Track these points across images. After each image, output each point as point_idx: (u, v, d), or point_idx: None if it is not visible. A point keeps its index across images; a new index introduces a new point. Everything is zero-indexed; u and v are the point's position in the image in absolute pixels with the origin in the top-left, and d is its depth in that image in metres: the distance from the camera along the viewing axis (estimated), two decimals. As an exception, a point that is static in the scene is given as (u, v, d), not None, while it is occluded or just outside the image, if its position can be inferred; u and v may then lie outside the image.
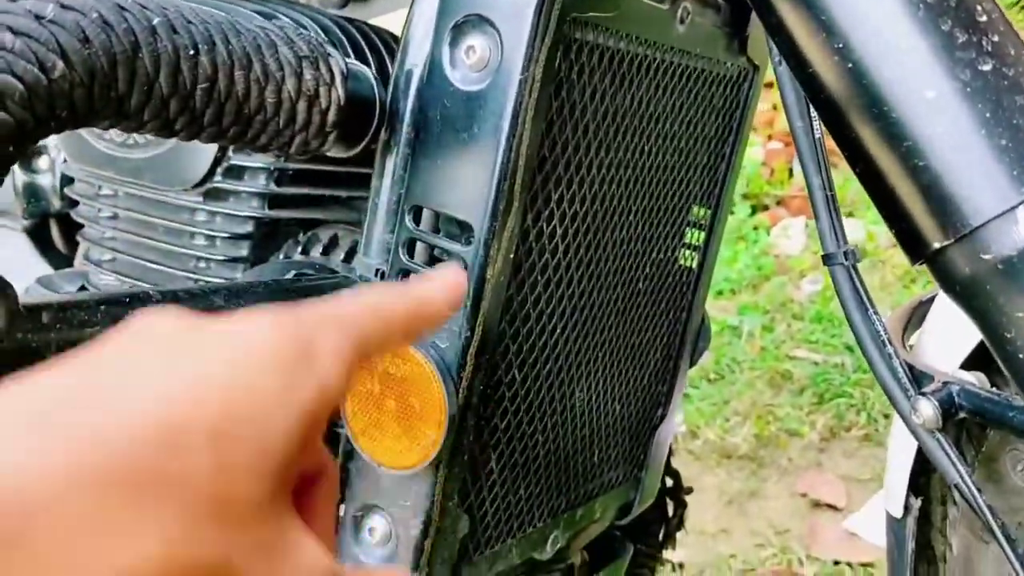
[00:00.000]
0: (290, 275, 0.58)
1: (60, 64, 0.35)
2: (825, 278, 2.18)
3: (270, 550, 0.26)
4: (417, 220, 0.53)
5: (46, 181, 0.85)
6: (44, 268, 0.93)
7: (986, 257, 0.36)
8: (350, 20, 0.74)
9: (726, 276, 2.19)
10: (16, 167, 0.84)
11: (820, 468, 1.64)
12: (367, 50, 0.70)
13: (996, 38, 0.36)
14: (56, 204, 0.85)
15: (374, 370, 0.53)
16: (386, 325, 0.31)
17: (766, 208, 2.50)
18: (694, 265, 0.76)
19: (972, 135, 0.35)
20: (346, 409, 0.54)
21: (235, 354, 0.27)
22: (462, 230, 0.51)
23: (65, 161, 0.79)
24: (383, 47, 0.71)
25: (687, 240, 0.74)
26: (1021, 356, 0.36)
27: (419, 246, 0.53)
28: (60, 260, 0.93)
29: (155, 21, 0.39)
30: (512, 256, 0.52)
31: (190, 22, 0.41)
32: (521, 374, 0.58)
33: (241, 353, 0.27)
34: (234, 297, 0.46)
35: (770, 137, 2.68)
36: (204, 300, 0.44)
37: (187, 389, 0.25)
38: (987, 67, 0.36)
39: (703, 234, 0.75)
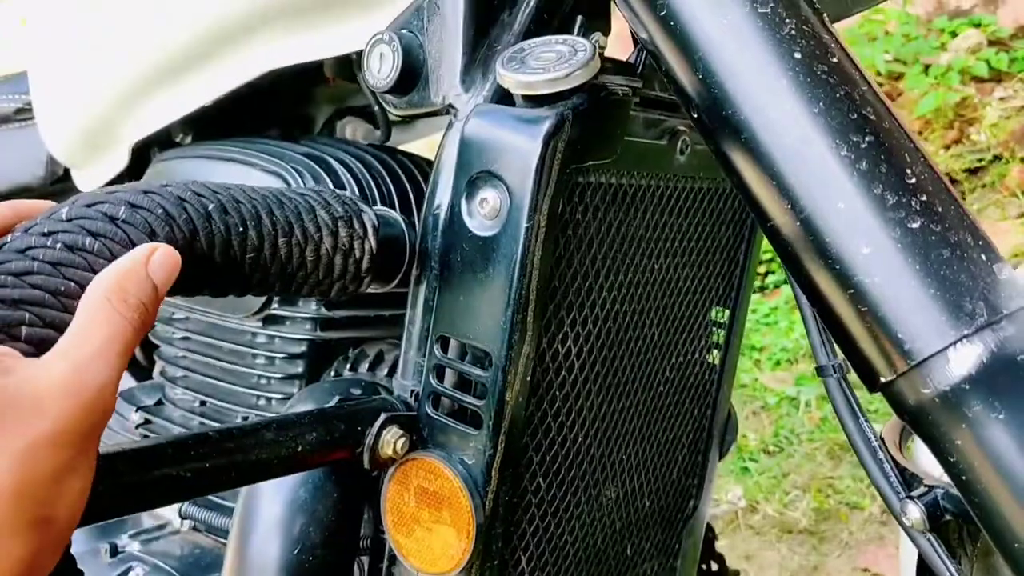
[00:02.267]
0: (335, 399, 0.64)
1: (131, 258, 0.42)
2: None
3: None
4: (445, 348, 0.59)
5: (126, 304, 0.94)
6: (127, 380, 1.03)
7: (926, 391, 0.40)
8: (391, 152, 0.82)
9: (783, 347, 2.21)
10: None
11: (882, 542, 1.63)
12: (406, 183, 0.78)
13: (924, 198, 0.41)
14: (135, 324, 0.94)
15: (410, 485, 0.59)
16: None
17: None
18: (716, 363, 0.80)
19: (905, 285, 0.40)
20: (388, 519, 0.60)
21: None
22: (484, 356, 0.58)
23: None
24: (420, 177, 0.79)
25: (708, 340, 0.79)
26: (963, 477, 0.40)
27: (448, 371, 0.59)
28: (141, 373, 1.02)
29: (210, 208, 0.47)
30: (530, 378, 0.58)
31: (239, 202, 0.49)
32: (546, 482, 0.63)
33: None
34: (284, 429, 0.53)
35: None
36: (256, 435, 0.51)
37: None
38: (915, 225, 0.41)
39: (723, 333, 0.80)
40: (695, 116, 0.47)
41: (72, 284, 0.40)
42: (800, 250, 0.43)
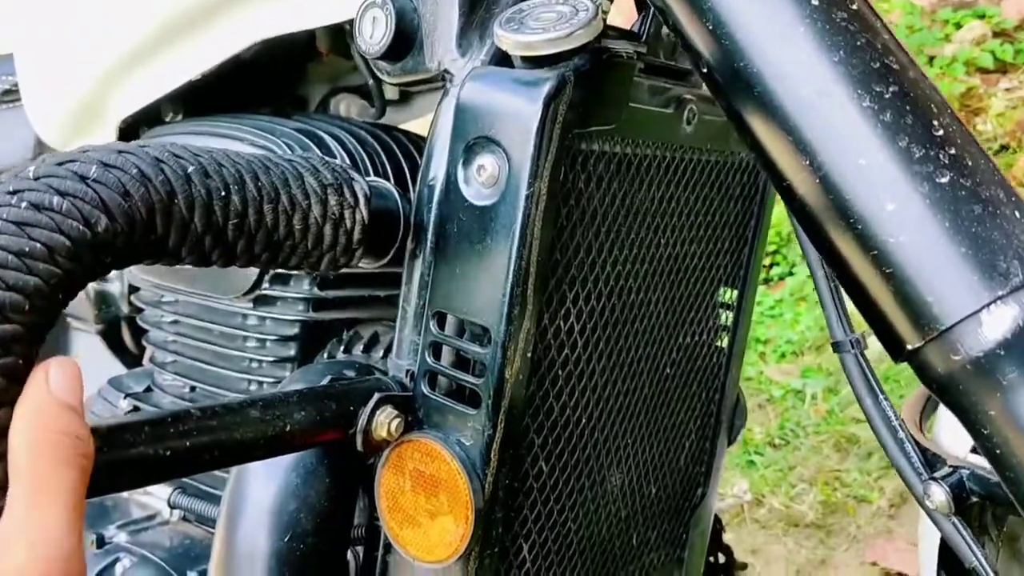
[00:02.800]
0: (327, 380, 0.61)
1: (103, 219, 0.39)
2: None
3: None
4: (441, 324, 0.56)
5: (115, 288, 0.92)
6: (117, 367, 1.00)
7: (956, 358, 0.37)
8: (386, 129, 0.79)
9: (788, 339, 2.18)
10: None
11: (890, 535, 1.60)
12: (401, 159, 0.75)
13: (953, 151, 0.38)
14: (125, 309, 0.92)
15: (405, 468, 0.56)
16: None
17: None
18: (725, 345, 0.77)
19: (933, 244, 0.37)
20: (382, 505, 0.57)
21: None
22: (482, 333, 0.55)
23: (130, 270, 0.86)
24: (416, 154, 0.76)
25: (716, 322, 0.76)
26: (997, 451, 0.37)
27: (445, 348, 0.57)
28: (131, 359, 0.99)
29: (189, 170, 0.44)
30: (530, 355, 0.55)
31: (222, 165, 0.46)
32: (548, 465, 0.61)
33: None
34: (270, 408, 0.50)
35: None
36: (241, 413, 0.48)
37: None
38: (944, 179, 0.38)
39: (731, 314, 0.77)
40: (705, 71, 0.44)
41: (38, 245, 0.37)
42: (819, 210, 0.40)
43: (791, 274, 2.41)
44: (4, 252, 0.36)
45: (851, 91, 0.39)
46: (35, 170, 0.39)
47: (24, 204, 0.38)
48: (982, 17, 3.24)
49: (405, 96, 0.96)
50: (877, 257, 0.39)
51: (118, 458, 0.42)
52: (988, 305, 0.37)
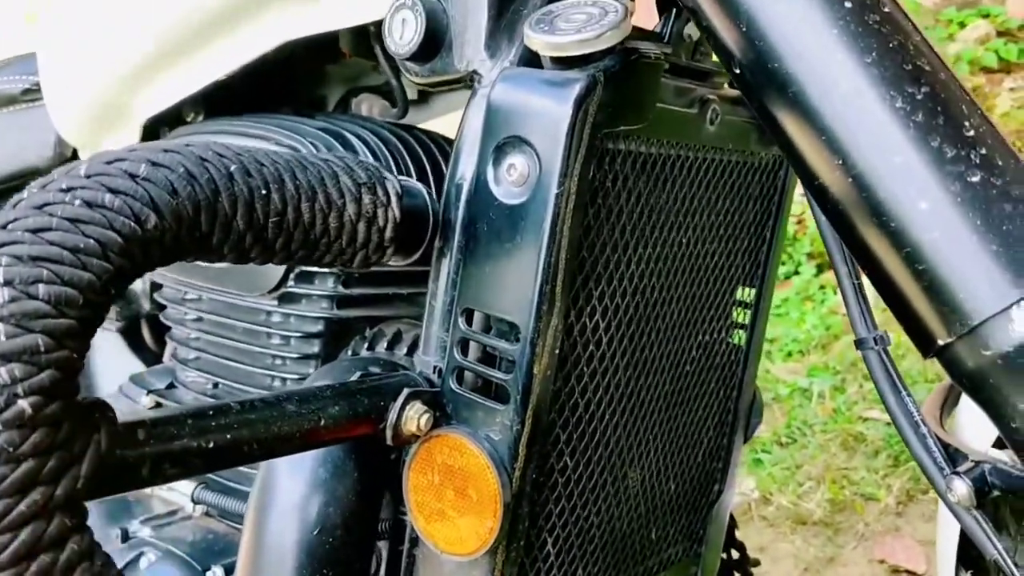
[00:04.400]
0: (356, 376, 0.62)
1: (152, 216, 0.40)
2: (896, 335, 2.16)
3: None
4: (469, 321, 0.57)
5: (137, 286, 0.93)
6: (136, 365, 1.01)
7: (987, 353, 0.38)
8: (408, 129, 0.80)
9: (794, 337, 2.19)
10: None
11: (898, 533, 1.61)
12: (424, 158, 0.76)
13: (984, 151, 0.39)
14: (146, 307, 0.93)
15: (434, 462, 0.57)
16: None
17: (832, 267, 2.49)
18: (742, 343, 0.78)
19: (965, 241, 0.38)
20: (410, 499, 0.58)
21: None
22: (510, 329, 0.56)
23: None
24: (439, 154, 0.77)
25: (734, 320, 0.77)
26: (1028, 445, 0.38)
27: (472, 344, 0.58)
28: (151, 357, 1.00)
29: (232, 168, 0.45)
30: (557, 351, 0.56)
31: (262, 164, 0.47)
32: (572, 461, 0.61)
33: None
34: (305, 403, 0.51)
35: (833, 195, 2.68)
36: (278, 407, 0.49)
37: None
38: (975, 179, 0.39)
39: (749, 313, 0.78)
40: (737, 72, 0.45)
41: (91, 241, 0.38)
42: (851, 209, 0.41)
43: (797, 273, 2.42)
44: (60, 248, 0.37)
45: (884, 92, 0.40)
46: (86, 169, 0.40)
47: (78, 202, 0.38)
48: (986, 16, 3.24)
49: (424, 96, 0.97)
50: (909, 254, 0.39)
51: (164, 450, 0.42)
52: (1019, 301, 0.38)
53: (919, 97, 0.40)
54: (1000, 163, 0.39)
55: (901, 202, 0.40)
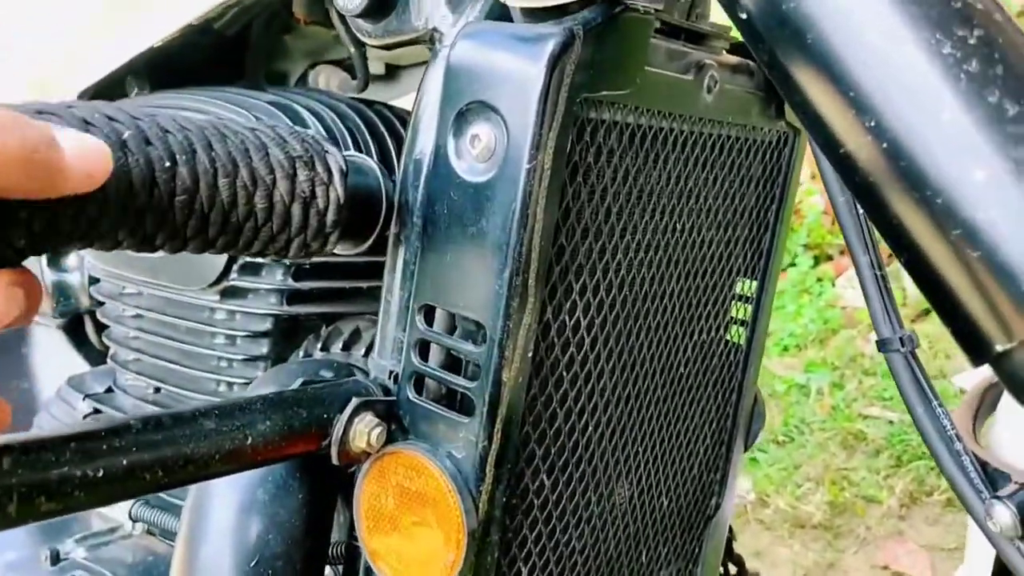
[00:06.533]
0: (299, 382, 0.54)
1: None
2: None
3: None
4: (429, 319, 0.49)
5: (75, 279, 0.84)
6: (80, 364, 0.92)
7: (1061, 362, 0.31)
8: (369, 103, 0.72)
9: (791, 331, 2.12)
10: (45, 266, 0.83)
11: (901, 537, 1.54)
12: (386, 135, 0.68)
13: (1054, 107, 0.31)
14: (85, 302, 0.84)
15: (388, 484, 0.49)
16: None
17: (830, 258, 2.42)
18: (742, 342, 0.70)
19: (1033, 221, 0.31)
20: (361, 525, 0.50)
21: None
22: (476, 329, 0.48)
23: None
24: (403, 129, 0.69)
25: (733, 316, 0.69)
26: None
27: (433, 347, 0.50)
28: (96, 356, 0.92)
29: (125, 135, 0.37)
30: (531, 354, 0.48)
31: (167, 131, 0.39)
32: (551, 480, 0.54)
33: None
34: (227, 418, 0.43)
35: (830, 185, 2.61)
36: (192, 424, 0.41)
37: None
38: (1046, 142, 0.31)
39: (750, 308, 0.70)
40: (743, 17, 0.37)
41: None
42: (885, 181, 0.33)
43: (793, 264, 2.34)
44: None
45: (928, 35, 0.32)
46: None
47: None
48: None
49: (392, 70, 0.89)
50: (960, 238, 0.32)
51: (36, 481, 0.34)
52: (1103, 297, 0.30)
53: (971, 41, 0.32)
54: (1075, 123, 0.31)
55: (950, 172, 0.32)
